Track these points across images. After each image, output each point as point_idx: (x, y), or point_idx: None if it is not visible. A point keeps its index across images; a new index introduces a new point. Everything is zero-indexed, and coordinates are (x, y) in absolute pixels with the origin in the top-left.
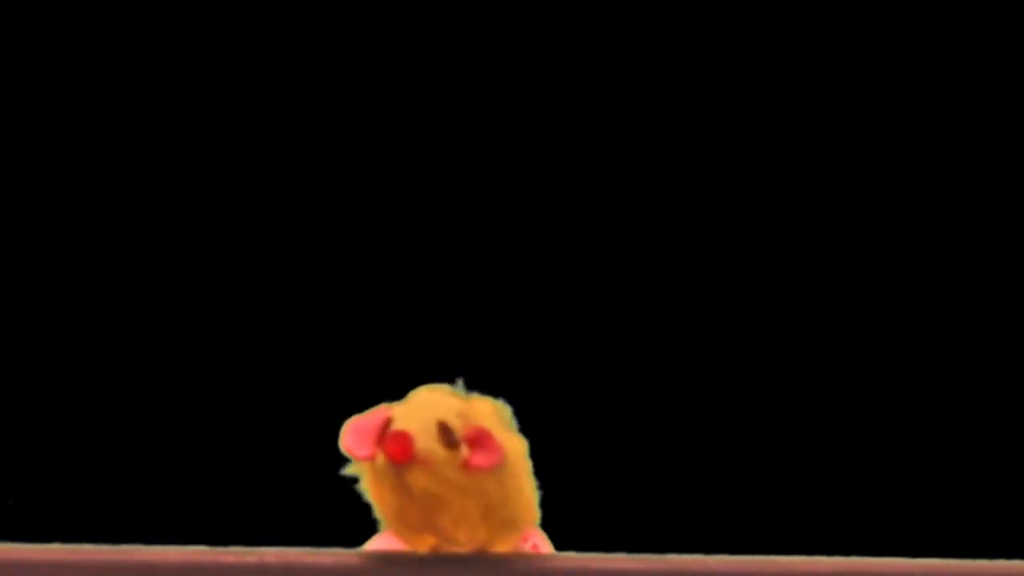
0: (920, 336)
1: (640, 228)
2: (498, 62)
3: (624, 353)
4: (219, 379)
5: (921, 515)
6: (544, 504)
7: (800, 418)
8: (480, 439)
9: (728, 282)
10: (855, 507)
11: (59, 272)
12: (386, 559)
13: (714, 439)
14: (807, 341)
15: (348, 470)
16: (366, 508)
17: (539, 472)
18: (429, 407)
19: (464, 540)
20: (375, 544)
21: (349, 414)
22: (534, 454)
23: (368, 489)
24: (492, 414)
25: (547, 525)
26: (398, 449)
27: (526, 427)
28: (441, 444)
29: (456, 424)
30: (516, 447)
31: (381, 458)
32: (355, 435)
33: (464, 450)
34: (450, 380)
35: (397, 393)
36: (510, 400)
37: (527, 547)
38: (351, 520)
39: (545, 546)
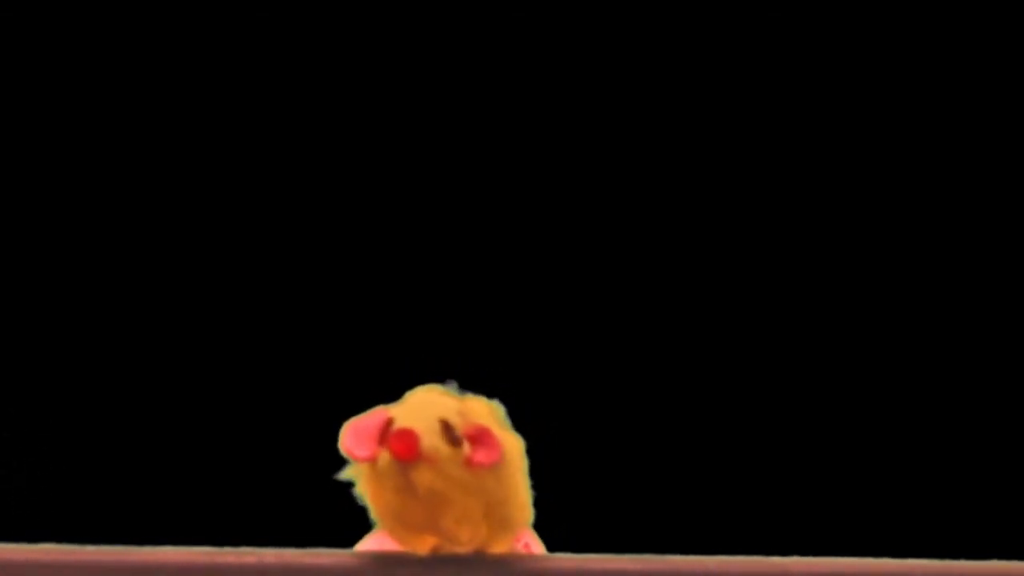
0: (920, 336)
1: (634, 228)
2: (498, 62)
3: (622, 353)
4: (219, 379)
5: (921, 515)
6: (543, 505)
7: (800, 418)
8: (481, 437)
9: (727, 281)
10: (855, 507)
11: (59, 272)
12: (385, 559)
13: (713, 439)
14: (806, 341)
15: (346, 473)
16: (364, 508)
17: (538, 473)
18: (429, 406)
19: (466, 539)
20: (367, 545)
21: (348, 414)
22: (533, 455)
23: (366, 491)
24: (488, 413)
25: (546, 526)
26: (404, 447)
27: (526, 428)
28: (444, 442)
29: (457, 422)
30: (514, 445)
31: (384, 458)
32: (355, 436)
33: (466, 448)
34: (442, 381)
35: (393, 393)
36: (506, 401)
37: (519, 547)
38: (350, 520)
39: (537, 546)
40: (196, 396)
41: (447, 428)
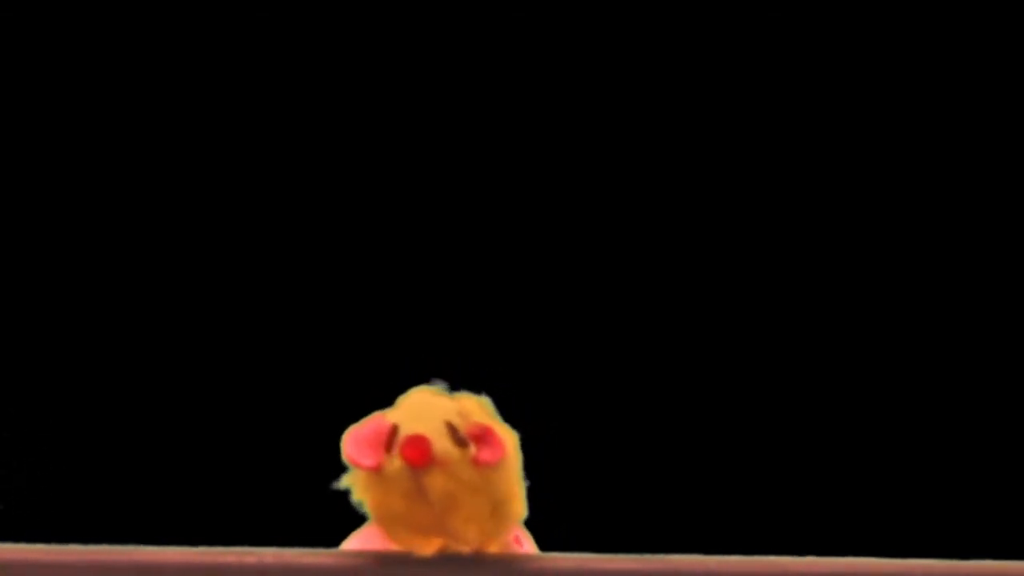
0: (920, 336)
1: (628, 226)
2: (497, 62)
3: (621, 352)
4: (218, 380)
5: (921, 515)
6: (543, 504)
7: (799, 418)
8: (484, 436)
9: (726, 280)
10: (855, 507)
11: (59, 272)
12: (386, 559)
13: (713, 439)
14: (806, 341)
15: (345, 481)
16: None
17: (537, 472)
18: (430, 409)
19: (473, 538)
20: (353, 542)
21: (346, 414)
22: (531, 454)
23: (369, 498)
24: (482, 410)
25: (545, 525)
26: (418, 453)
27: (525, 427)
28: (453, 444)
29: (459, 423)
30: (511, 440)
31: (393, 465)
32: (358, 445)
33: (472, 448)
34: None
35: (387, 391)
36: (505, 399)
37: (511, 542)
38: (350, 521)
39: (527, 542)
40: (196, 396)
41: (452, 430)
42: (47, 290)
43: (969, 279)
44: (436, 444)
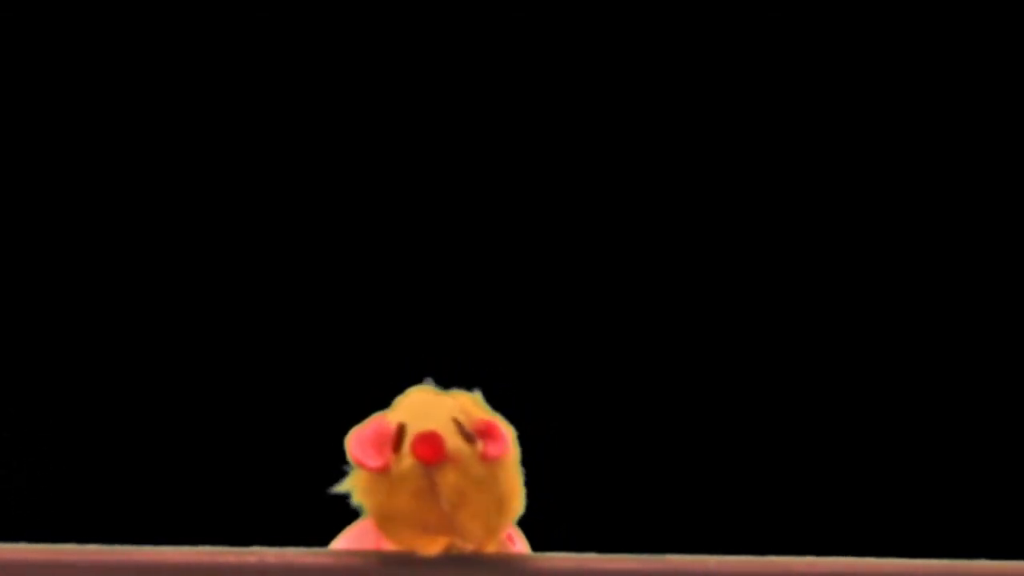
0: (920, 336)
1: (621, 225)
2: (497, 62)
3: (621, 352)
4: (218, 380)
5: (921, 515)
6: (543, 504)
7: (800, 418)
8: (489, 431)
9: (725, 280)
10: (855, 507)
11: (59, 272)
12: (387, 559)
13: (713, 439)
14: (806, 341)
15: (346, 485)
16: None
17: (536, 472)
18: (435, 407)
19: (479, 535)
20: (344, 540)
21: (346, 414)
22: (532, 454)
23: (373, 499)
24: (480, 405)
25: (545, 525)
26: (431, 450)
27: (525, 428)
28: (462, 440)
29: (464, 420)
30: (512, 435)
31: (402, 464)
32: (363, 446)
33: (479, 443)
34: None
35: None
36: (505, 399)
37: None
38: (349, 521)
39: (520, 540)
40: (196, 397)
41: (460, 427)
42: (47, 290)
43: (969, 279)
44: (448, 441)
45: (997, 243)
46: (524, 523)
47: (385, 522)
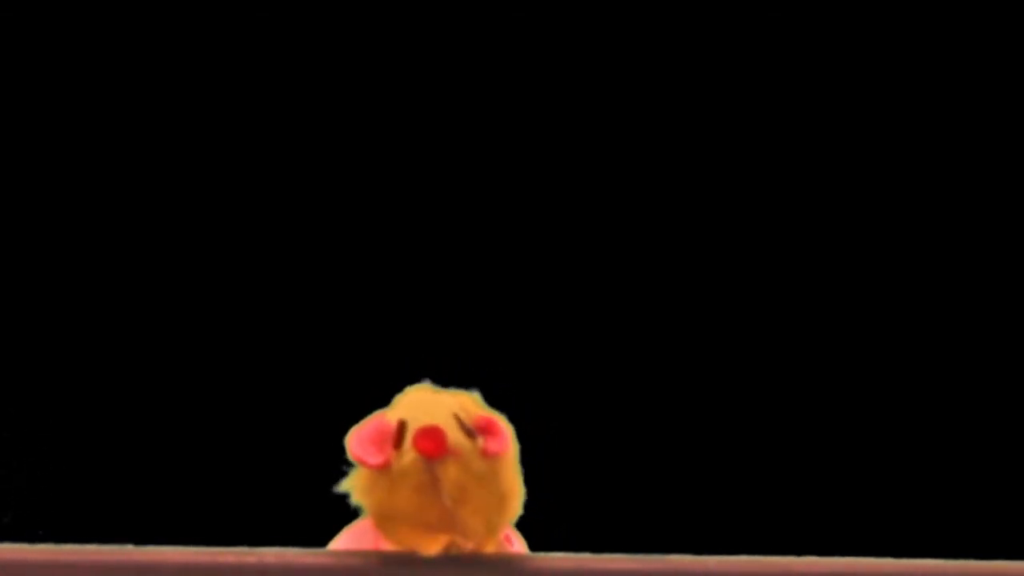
0: (920, 336)
1: (620, 225)
2: (497, 63)
3: (620, 352)
4: (219, 381)
5: (921, 515)
6: (543, 504)
7: (800, 418)
8: (489, 427)
9: (726, 280)
10: (855, 507)
11: (59, 272)
12: (387, 559)
13: (713, 439)
14: (806, 341)
15: (346, 484)
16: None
17: (537, 472)
18: (435, 404)
19: (480, 532)
20: (342, 541)
21: (345, 414)
22: (533, 455)
23: (374, 498)
24: (479, 404)
25: (545, 525)
26: (434, 444)
27: (526, 428)
28: (464, 436)
29: (464, 416)
30: (511, 433)
31: (404, 460)
32: (363, 443)
33: (480, 439)
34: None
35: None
36: (505, 400)
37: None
38: (349, 521)
39: (518, 541)
40: (196, 397)
41: (460, 423)
42: (47, 290)
43: (969, 279)
44: (449, 435)
45: (997, 243)
46: (524, 523)
47: (386, 521)
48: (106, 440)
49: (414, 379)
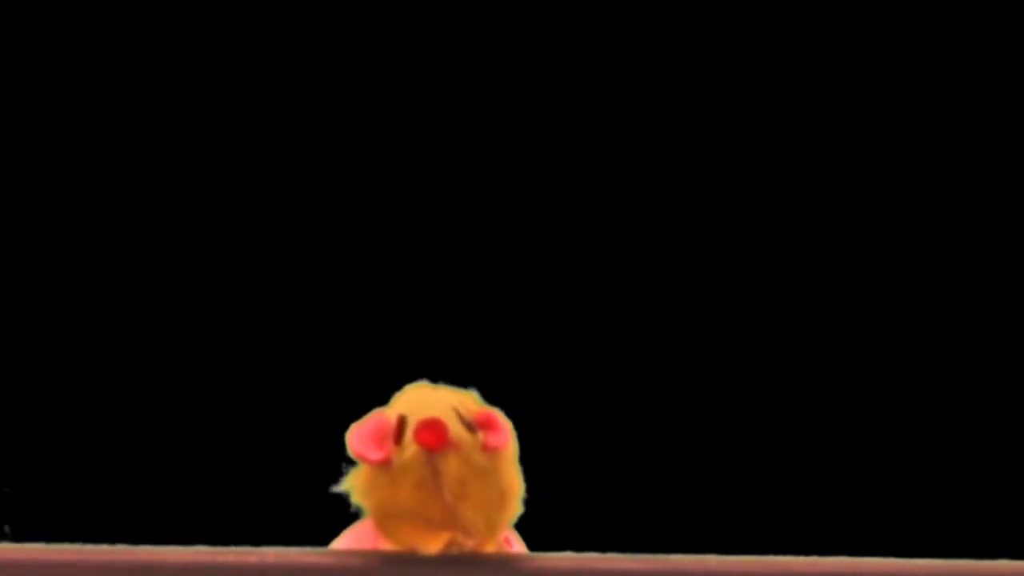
0: (920, 336)
1: (617, 225)
2: (497, 63)
3: (621, 353)
4: (219, 381)
5: (921, 515)
6: (544, 504)
7: (800, 418)
8: (489, 422)
9: (725, 281)
10: (855, 507)
11: (59, 272)
12: (387, 559)
13: (713, 439)
14: (806, 342)
15: (346, 483)
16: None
17: (537, 472)
18: (434, 400)
19: (481, 528)
20: (344, 541)
21: (346, 414)
22: (533, 454)
23: (375, 496)
24: (477, 401)
25: (545, 525)
26: (435, 437)
27: (526, 428)
28: (464, 429)
29: (463, 411)
30: (511, 429)
31: (405, 455)
32: (363, 440)
33: (480, 434)
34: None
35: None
36: (506, 400)
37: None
38: (349, 521)
39: (517, 543)
40: (196, 397)
41: (460, 417)
42: (47, 290)
43: (969, 279)
44: (450, 428)
45: (997, 243)
46: (524, 523)
47: (386, 519)
48: (106, 440)
49: (412, 379)
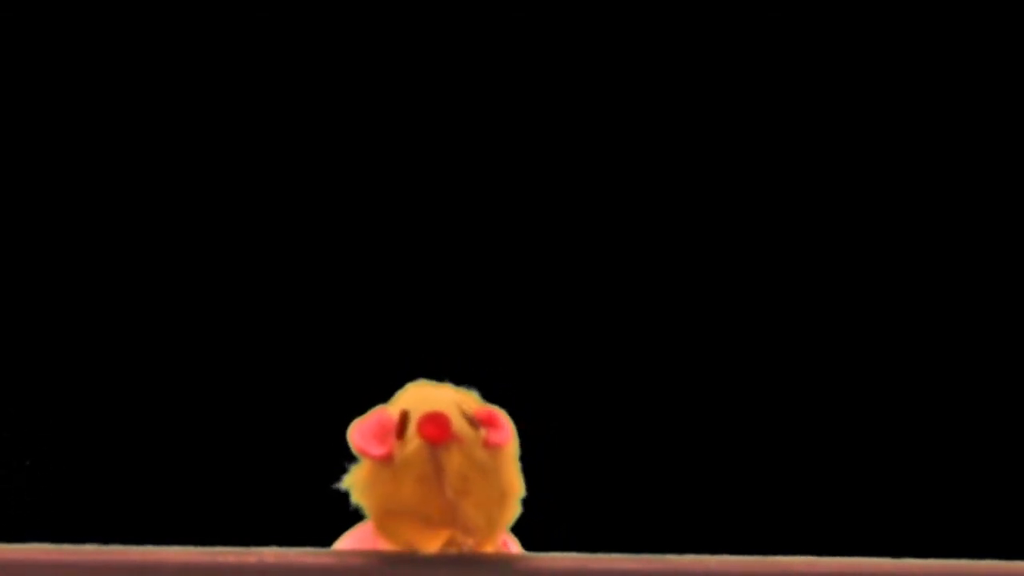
0: (920, 336)
1: (617, 226)
2: (497, 62)
3: (621, 353)
4: (219, 381)
5: (921, 515)
6: (544, 504)
7: (799, 418)
8: (491, 419)
9: (725, 281)
10: (855, 507)
11: (58, 272)
12: (387, 559)
13: (713, 439)
14: (806, 341)
15: (347, 481)
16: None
17: (538, 472)
18: (436, 396)
19: (481, 526)
20: (346, 542)
21: (346, 414)
22: (533, 455)
23: (376, 493)
24: (478, 400)
25: (545, 525)
26: (438, 429)
27: (526, 428)
28: (467, 423)
29: (466, 408)
30: (512, 426)
31: (407, 449)
32: (365, 435)
33: (483, 430)
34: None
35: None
36: (506, 400)
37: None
38: (349, 521)
39: (514, 546)
40: (196, 397)
41: (463, 412)
42: (47, 290)
43: (969, 279)
44: (453, 421)
45: (997, 243)
46: (524, 523)
47: (387, 517)
48: (106, 440)
49: (412, 380)
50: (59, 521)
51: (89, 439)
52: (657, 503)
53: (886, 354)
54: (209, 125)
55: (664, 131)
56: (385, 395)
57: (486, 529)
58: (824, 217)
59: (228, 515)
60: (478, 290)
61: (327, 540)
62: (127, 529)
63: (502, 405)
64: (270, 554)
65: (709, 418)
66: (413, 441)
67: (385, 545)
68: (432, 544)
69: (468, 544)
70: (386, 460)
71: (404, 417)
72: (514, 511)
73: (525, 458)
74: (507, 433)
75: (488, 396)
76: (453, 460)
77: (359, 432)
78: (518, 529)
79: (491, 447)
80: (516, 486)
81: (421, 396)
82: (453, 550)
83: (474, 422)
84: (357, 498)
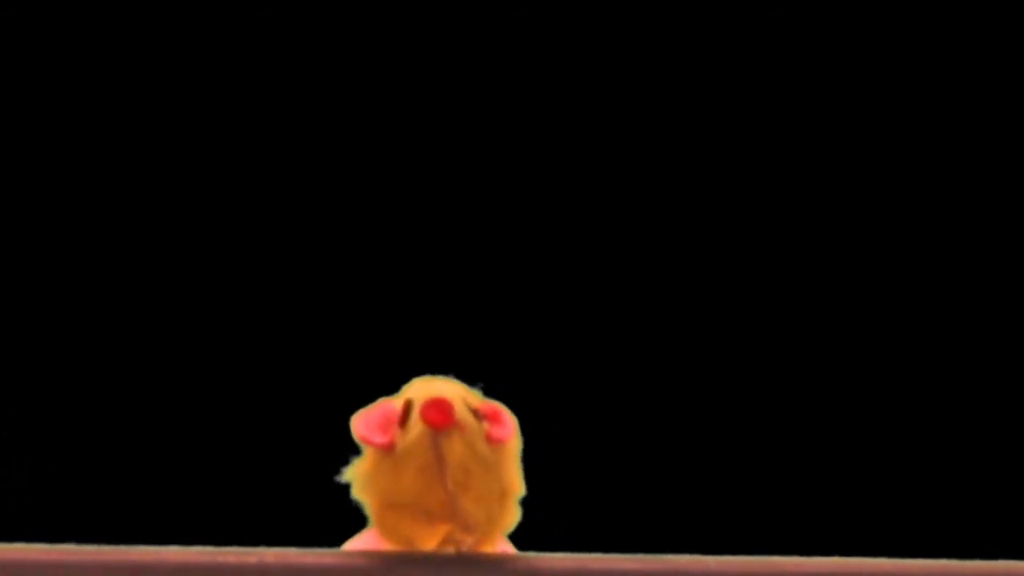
0: (920, 336)
1: (617, 225)
2: (497, 62)
3: (620, 353)
4: (219, 380)
5: (921, 515)
6: (543, 504)
7: (799, 418)
8: (494, 415)
9: (725, 281)
10: (854, 507)
11: (58, 272)
12: (387, 559)
13: (713, 439)
14: (806, 341)
15: (348, 474)
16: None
17: (537, 472)
18: (440, 387)
19: (481, 522)
20: (354, 545)
21: (347, 414)
22: (533, 455)
23: (376, 484)
24: (481, 397)
25: (545, 525)
26: (440, 415)
27: (526, 428)
28: (470, 414)
29: (470, 401)
30: (515, 423)
31: (409, 436)
32: (370, 424)
33: (485, 424)
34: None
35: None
36: (506, 399)
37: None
38: (349, 521)
39: (509, 550)
40: (196, 396)
41: (467, 404)
42: (47, 290)
43: (969, 279)
44: (457, 409)
45: (997, 243)
46: (525, 522)
47: (386, 512)
48: (106, 440)
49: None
50: (59, 521)
51: (89, 439)
52: (657, 503)
53: (885, 354)
54: (209, 125)
55: (664, 131)
56: (386, 395)
57: (485, 526)
58: (824, 217)
59: (228, 515)
60: (478, 290)
61: (328, 540)
62: (127, 529)
63: (504, 404)
64: (271, 554)
65: (708, 418)
66: (416, 428)
67: (385, 546)
68: (431, 541)
69: (467, 542)
70: (388, 448)
71: (407, 406)
72: (514, 512)
73: (525, 458)
74: (510, 430)
75: (488, 396)
76: (455, 449)
77: (362, 421)
78: (518, 528)
79: (493, 442)
80: (516, 485)
81: (426, 388)
82: (451, 548)
83: (478, 415)
84: (358, 493)
